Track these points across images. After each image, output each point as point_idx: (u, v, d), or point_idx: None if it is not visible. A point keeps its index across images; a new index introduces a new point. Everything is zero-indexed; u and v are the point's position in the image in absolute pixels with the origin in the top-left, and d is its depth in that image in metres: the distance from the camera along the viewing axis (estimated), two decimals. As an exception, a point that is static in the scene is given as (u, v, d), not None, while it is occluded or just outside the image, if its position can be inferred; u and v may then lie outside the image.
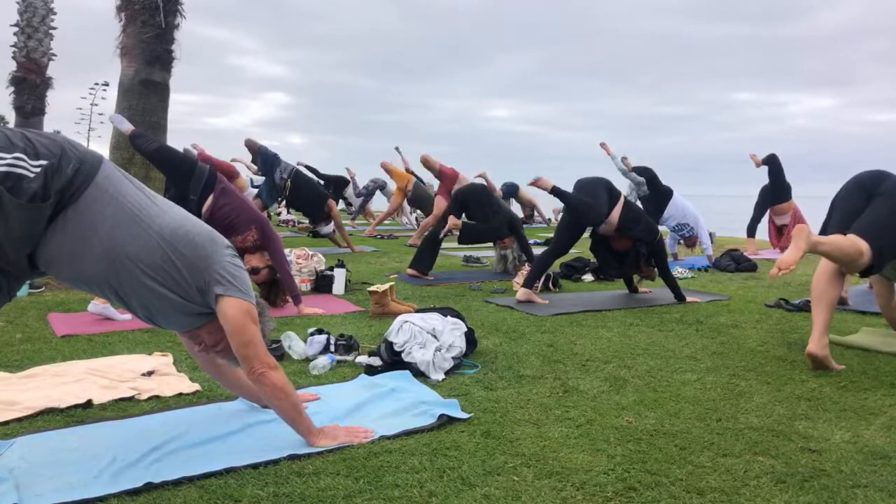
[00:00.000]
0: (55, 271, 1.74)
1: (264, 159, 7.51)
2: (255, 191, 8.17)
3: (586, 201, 4.55)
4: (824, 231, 3.19)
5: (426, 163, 8.22)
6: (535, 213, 13.16)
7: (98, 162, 1.73)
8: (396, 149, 11.16)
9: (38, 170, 1.59)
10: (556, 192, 4.67)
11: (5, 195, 1.54)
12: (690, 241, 7.05)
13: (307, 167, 11.80)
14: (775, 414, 2.37)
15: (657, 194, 7.03)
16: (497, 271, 6.03)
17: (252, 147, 7.72)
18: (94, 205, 1.69)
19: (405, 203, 11.08)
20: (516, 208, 12.27)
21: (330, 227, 7.80)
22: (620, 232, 4.62)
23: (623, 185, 6.70)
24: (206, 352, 2.03)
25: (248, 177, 9.94)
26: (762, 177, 7.91)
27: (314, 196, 7.54)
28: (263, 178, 7.76)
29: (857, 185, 3.17)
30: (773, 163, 7.74)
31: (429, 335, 2.89)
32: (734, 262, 6.62)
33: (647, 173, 7.09)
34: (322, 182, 12.22)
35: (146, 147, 4.46)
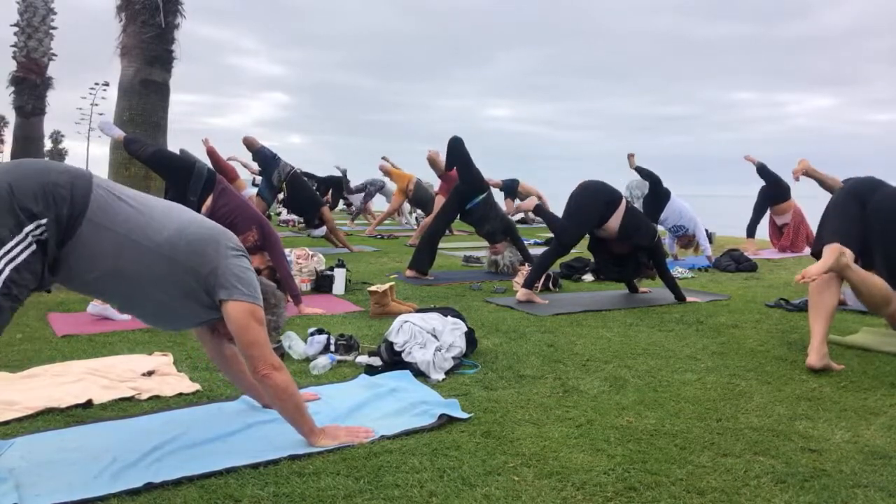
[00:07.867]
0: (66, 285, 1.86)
1: (263, 160, 7.52)
2: (255, 189, 8.16)
3: (562, 224, 4.70)
4: (819, 236, 3.20)
5: (433, 162, 7.60)
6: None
7: (87, 192, 1.72)
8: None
9: (40, 232, 1.64)
10: (538, 210, 5.04)
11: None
12: (683, 240, 7.05)
13: (305, 174, 11.87)
14: (775, 414, 2.37)
15: (656, 196, 7.05)
16: (490, 272, 6.05)
17: (253, 145, 7.70)
18: (91, 242, 1.72)
19: (405, 203, 11.06)
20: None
21: (321, 231, 7.78)
22: (620, 238, 4.62)
23: (622, 187, 6.69)
24: (222, 339, 2.11)
25: (249, 178, 9.91)
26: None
27: (308, 202, 7.52)
28: (262, 177, 7.79)
29: (849, 194, 3.21)
30: (762, 172, 7.85)
31: (429, 335, 2.88)
32: (734, 262, 6.61)
33: (651, 177, 7.13)
34: (317, 184, 12.25)
35: (141, 152, 4.41)
